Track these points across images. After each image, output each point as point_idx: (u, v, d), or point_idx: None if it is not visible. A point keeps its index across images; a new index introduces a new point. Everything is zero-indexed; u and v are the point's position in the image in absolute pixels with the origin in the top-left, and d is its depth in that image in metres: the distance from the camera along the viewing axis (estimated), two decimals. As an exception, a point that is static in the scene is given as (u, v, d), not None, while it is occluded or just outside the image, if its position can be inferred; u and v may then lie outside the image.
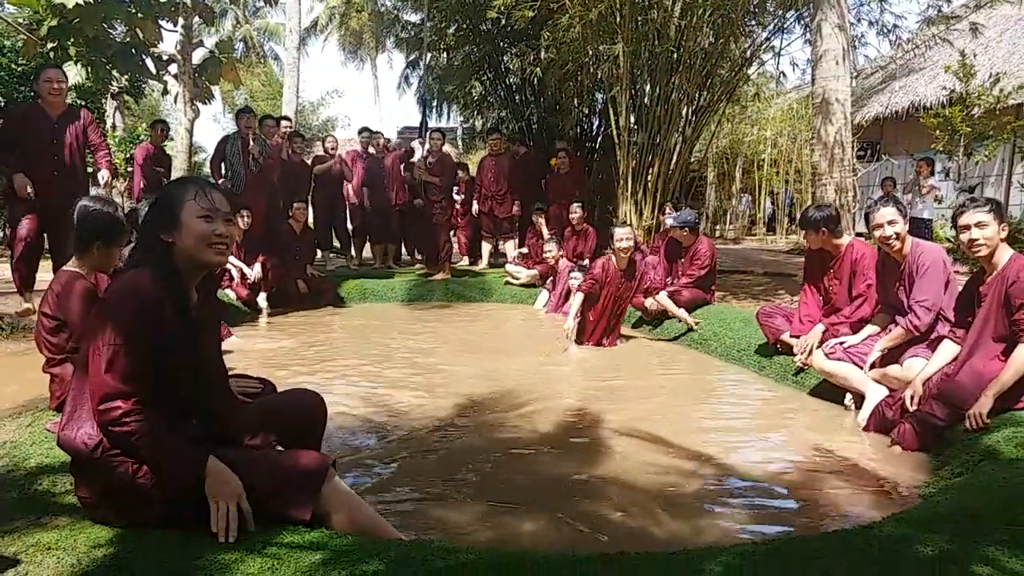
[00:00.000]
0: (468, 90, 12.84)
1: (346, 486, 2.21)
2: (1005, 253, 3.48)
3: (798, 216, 18.57)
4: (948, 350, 3.65)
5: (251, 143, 8.48)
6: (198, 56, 10.10)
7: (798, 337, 4.88)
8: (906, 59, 16.28)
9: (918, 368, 3.76)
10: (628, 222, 9.36)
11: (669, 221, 6.93)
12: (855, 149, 12.79)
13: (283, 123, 9.93)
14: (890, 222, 4.04)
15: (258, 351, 5.85)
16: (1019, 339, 3.29)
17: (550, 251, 8.57)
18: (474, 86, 12.63)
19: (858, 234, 7.92)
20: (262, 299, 7.83)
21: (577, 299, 6.37)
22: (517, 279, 9.23)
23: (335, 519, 2.11)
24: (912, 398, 3.59)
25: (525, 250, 9.74)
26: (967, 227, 3.50)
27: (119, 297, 2.05)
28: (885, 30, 10.59)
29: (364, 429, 3.78)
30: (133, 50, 8.44)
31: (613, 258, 6.34)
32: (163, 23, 8.52)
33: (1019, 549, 1.95)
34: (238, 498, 2.00)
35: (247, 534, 1.98)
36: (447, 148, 11.18)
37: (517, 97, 12.51)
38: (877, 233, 4.10)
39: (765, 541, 2.12)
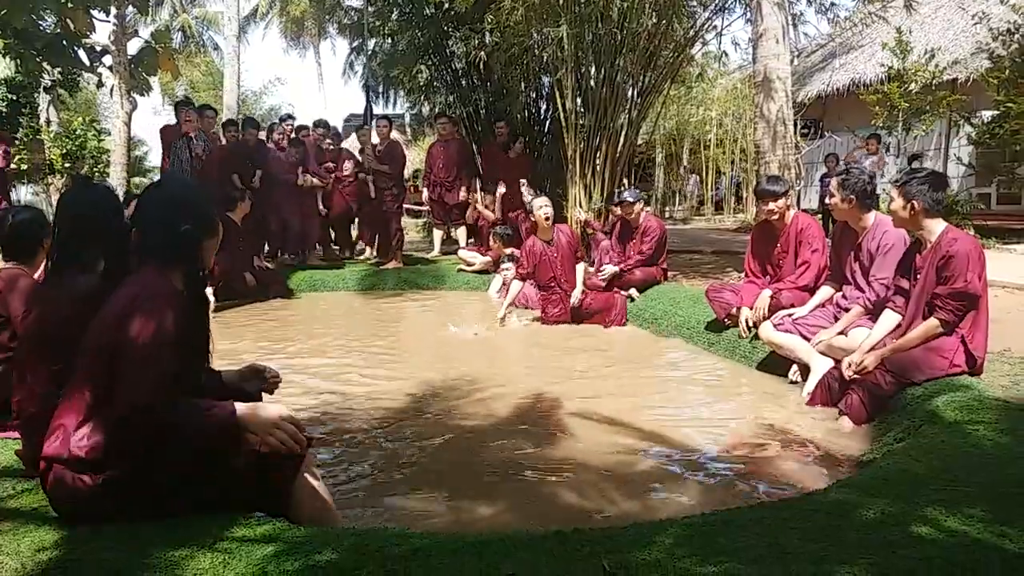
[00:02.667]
0: (414, 75, 12.69)
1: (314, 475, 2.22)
2: (938, 226, 3.58)
3: (747, 192, 18.93)
4: (889, 319, 3.74)
5: (194, 141, 8.31)
6: (133, 47, 9.81)
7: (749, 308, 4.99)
8: (845, 37, 16.59)
9: (862, 338, 3.85)
10: (579, 204, 9.44)
11: (628, 197, 6.95)
12: (798, 127, 13.05)
13: (207, 113, 9.64)
14: (829, 193, 4.26)
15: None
16: (933, 313, 3.47)
17: (507, 269, 8.26)
18: (420, 71, 12.47)
19: (803, 210, 8.08)
20: (208, 293, 7.66)
21: (515, 286, 6.73)
22: (471, 266, 9.21)
23: (302, 498, 2.12)
24: (853, 365, 3.67)
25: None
26: None
27: (151, 304, 2.00)
28: (823, 8, 10.77)
29: (319, 420, 3.75)
30: (64, 41, 8.14)
31: (535, 235, 6.70)
32: (95, 13, 8.24)
33: (956, 508, 2.02)
34: (279, 420, 2.04)
35: (198, 530, 1.95)
36: (394, 135, 11.07)
37: (464, 82, 12.41)
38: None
39: (714, 512, 2.16)
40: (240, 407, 2.04)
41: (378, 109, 18.47)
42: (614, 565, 1.75)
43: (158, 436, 1.96)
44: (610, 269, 6.86)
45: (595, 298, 6.56)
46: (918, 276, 3.61)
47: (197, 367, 2.23)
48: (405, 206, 11.98)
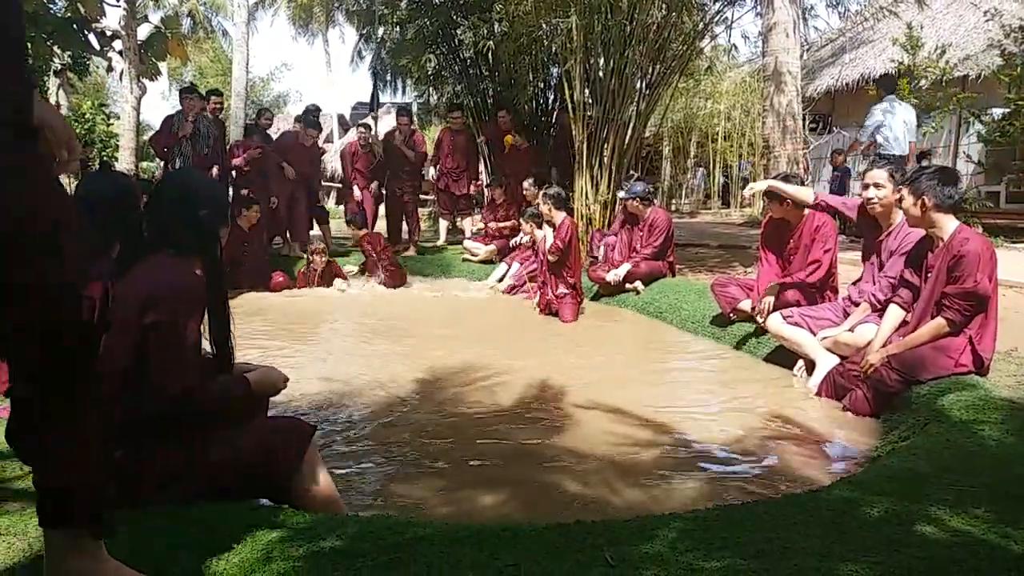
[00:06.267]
0: (422, 64, 12.67)
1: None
2: (950, 224, 3.56)
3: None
4: (895, 315, 3.73)
5: (201, 126, 8.34)
6: (143, 32, 9.78)
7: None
8: (855, 32, 16.49)
9: (869, 334, 3.84)
10: (585, 195, 9.42)
11: (621, 194, 6.97)
12: (807, 122, 12.97)
13: (212, 98, 9.62)
14: (876, 184, 4.08)
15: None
16: (941, 312, 3.45)
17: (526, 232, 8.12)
18: (428, 60, 12.45)
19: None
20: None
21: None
22: (475, 256, 9.21)
23: (306, 486, 2.14)
24: (866, 365, 3.65)
25: (481, 225, 9.74)
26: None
27: (178, 290, 2.05)
28: (834, 2, 10.69)
29: (322, 407, 3.75)
30: (74, 25, 8.14)
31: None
32: (105, -3, 8.24)
33: (960, 508, 2.01)
34: (280, 382, 2.40)
35: (202, 516, 1.95)
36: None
37: (472, 71, 12.38)
38: (864, 193, 4.17)
39: (718, 506, 2.16)
40: (250, 377, 2.26)
41: (385, 97, 18.44)
42: (616, 557, 1.75)
43: (197, 416, 2.06)
44: (624, 268, 6.80)
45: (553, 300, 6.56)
46: (928, 274, 3.60)
47: (222, 353, 2.27)
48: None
